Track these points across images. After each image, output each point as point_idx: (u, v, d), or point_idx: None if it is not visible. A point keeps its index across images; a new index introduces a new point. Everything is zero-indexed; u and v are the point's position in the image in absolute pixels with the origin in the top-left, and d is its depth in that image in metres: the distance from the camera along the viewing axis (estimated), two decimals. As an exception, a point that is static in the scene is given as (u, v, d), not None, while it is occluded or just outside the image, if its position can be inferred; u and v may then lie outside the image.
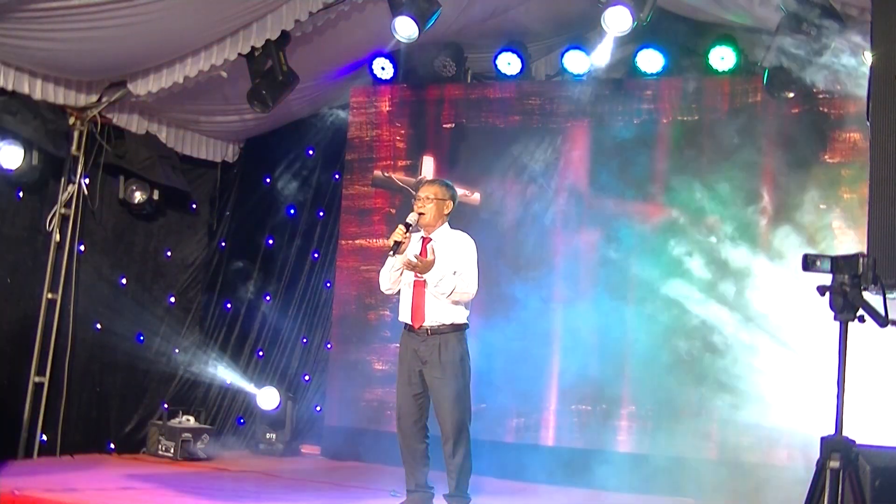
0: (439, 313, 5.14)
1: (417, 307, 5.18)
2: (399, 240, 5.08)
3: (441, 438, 5.18)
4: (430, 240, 5.28)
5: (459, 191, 7.30)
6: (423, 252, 5.20)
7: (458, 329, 5.18)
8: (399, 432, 5.27)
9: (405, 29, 6.14)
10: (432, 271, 5.04)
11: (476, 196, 7.56)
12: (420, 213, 5.23)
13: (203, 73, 6.55)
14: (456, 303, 5.14)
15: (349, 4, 6.52)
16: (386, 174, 7.92)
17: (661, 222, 6.93)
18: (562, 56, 7.27)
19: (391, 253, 5.14)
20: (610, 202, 7.15)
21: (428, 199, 5.26)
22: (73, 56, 6.12)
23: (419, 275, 5.11)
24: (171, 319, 8.02)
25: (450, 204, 5.34)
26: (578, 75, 7.24)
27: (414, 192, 5.84)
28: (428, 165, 7.81)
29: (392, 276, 5.26)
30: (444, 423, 5.14)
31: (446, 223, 5.36)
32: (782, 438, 6.26)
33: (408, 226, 5.13)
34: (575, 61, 7.17)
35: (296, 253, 8.34)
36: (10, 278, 6.63)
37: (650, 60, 7.02)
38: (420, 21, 6.07)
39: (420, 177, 7.64)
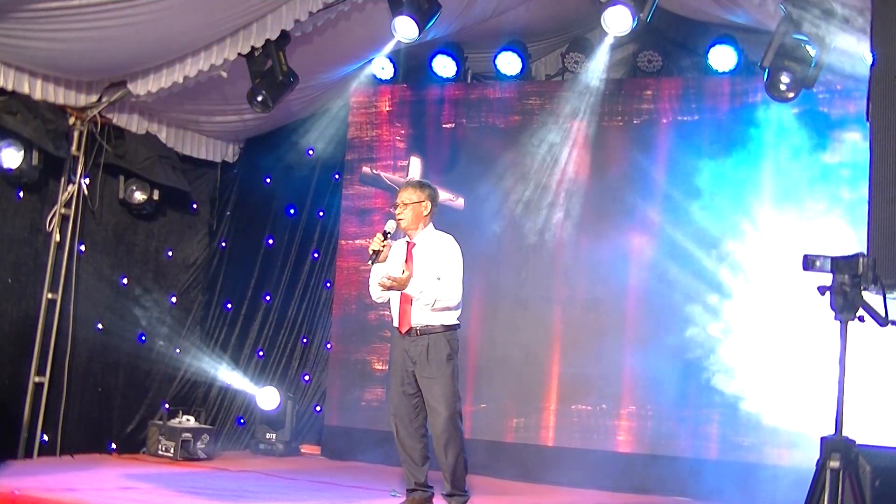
0: (426, 317, 5.13)
1: (404, 312, 5.18)
2: (377, 248, 5.09)
3: (432, 439, 5.16)
4: (415, 244, 5.26)
5: (444, 195, 7.29)
6: (409, 257, 5.20)
7: (448, 329, 5.16)
8: (396, 433, 5.26)
9: (405, 29, 6.14)
10: (411, 285, 5.03)
11: (460, 201, 7.54)
12: (399, 220, 5.23)
13: (203, 73, 6.55)
14: (440, 310, 5.09)
15: (349, 4, 6.52)
16: (374, 171, 7.92)
17: (661, 222, 6.93)
18: (562, 56, 7.28)
19: (370, 262, 5.16)
20: (610, 202, 7.16)
21: (404, 204, 5.23)
22: (73, 56, 6.12)
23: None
24: (172, 320, 8.02)
25: (428, 205, 5.26)
26: (578, 75, 7.25)
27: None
28: (415, 166, 7.80)
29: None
30: (433, 424, 5.13)
31: (430, 225, 5.30)
32: (782, 438, 6.26)
33: (385, 234, 5.13)
34: (574, 61, 7.18)
35: (296, 253, 8.35)
36: (10, 278, 6.63)
37: (650, 60, 7.02)
38: (420, 21, 6.08)
39: (408, 178, 7.60)
